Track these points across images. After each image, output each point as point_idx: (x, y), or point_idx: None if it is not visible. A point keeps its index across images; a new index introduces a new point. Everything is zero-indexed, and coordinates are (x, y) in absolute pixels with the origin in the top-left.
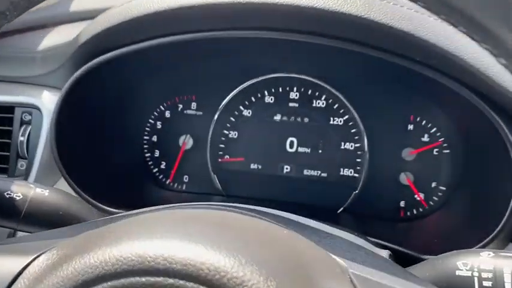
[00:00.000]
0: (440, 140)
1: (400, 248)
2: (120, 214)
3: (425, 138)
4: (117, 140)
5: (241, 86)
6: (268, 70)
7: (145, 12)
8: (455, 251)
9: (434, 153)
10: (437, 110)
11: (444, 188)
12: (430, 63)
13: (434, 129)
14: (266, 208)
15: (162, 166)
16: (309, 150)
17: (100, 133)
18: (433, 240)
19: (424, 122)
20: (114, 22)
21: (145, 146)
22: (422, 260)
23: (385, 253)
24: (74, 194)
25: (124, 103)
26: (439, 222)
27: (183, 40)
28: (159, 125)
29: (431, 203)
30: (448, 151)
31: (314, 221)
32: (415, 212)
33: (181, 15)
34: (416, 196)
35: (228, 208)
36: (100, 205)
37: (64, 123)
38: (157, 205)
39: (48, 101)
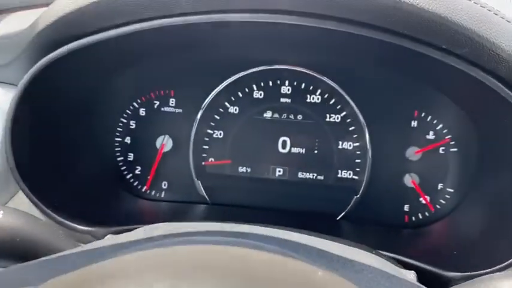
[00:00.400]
0: (447, 137)
1: (422, 265)
2: (96, 245)
3: (431, 136)
4: (85, 144)
5: (227, 80)
6: (256, 62)
7: None
8: (494, 275)
9: (441, 151)
10: (444, 105)
11: (452, 190)
12: (458, 52)
13: (440, 125)
14: (267, 228)
15: (137, 171)
16: (303, 151)
17: (64, 137)
18: (452, 252)
19: (429, 118)
20: (76, 6)
21: (117, 149)
22: (446, 278)
23: (412, 275)
24: (34, 211)
25: (91, 101)
26: (453, 231)
27: (158, 27)
28: (132, 124)
29: (438, 206)
30: (455, 149)
31: (327, 240)
32: (420, 216)
33: None
34: (421, 199)
35: (232, 238)
36: (67, 222)
37: (21, 125)
38: (132, 217)
39: (1, 99)
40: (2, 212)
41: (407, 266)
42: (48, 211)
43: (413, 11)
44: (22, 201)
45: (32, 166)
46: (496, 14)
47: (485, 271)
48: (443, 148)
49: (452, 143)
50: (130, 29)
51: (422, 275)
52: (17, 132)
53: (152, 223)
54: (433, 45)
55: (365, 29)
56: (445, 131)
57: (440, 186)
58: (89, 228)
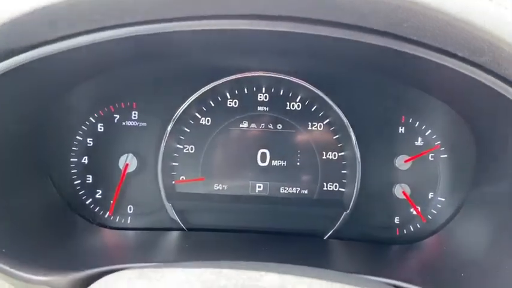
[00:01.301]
0: (436, 143)
1: None
2: None
3: (419, 142)
4: (35, 170)
5: (199, 91)
6: (230, 69)
7: None
8: None
9: (430, 158)
10: (432, 109)
11: (443, 199)
12: (478, 61)
13: (429, 131)
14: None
15: (98, 195)
16: (284, 164)
17: (9, 163)
18: (458, 274)
19: (417, 123)
20: (21, 14)
21: (73, 172)
22: None
23: None
24: None
25: (41, 118)
26: (450, 247)
27: (117, 37)
28: (89, 142)
29: (429, 217)
30: (445, 156)
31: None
32: (412, 228)
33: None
34: (412, 210)
35: None
36: (19, 273)
37: None
38: (96, 255)
39: None
40: None
41: None
42: None
43: (429, 15)
44: None
45: None
46: None
47: None
48: (432, 155)
49: (442, 149)
50: (86, 40)
51: None
52: None
53: (120, 258)
54: (443, 51)
55: (364, 34)
56: (434, 137)
57: (431, 195)
58: (46, 278)
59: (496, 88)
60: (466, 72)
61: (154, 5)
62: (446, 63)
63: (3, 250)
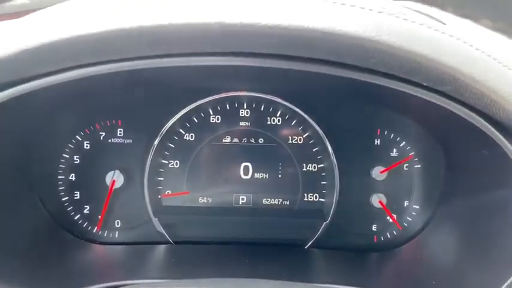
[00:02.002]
0: (410, 154)
1: None
2: None
3: (394, 153)
4: (23, 188)
5: (183, 110)
6: (213, 90)
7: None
8: None
9: (405, 168)
10: (406, 124)
11: (417, 207)
12: (442, 90)
13: (403, 142)
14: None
15: (86, 211)
16: (266, 176)
17: None
18: (430, 282)
19: (392, 135)
20: (11, 53)
21: (60, 188)
22: None
23: None
24: None
25: (28, 139)
26: (424, 254)
27: (106, 72)
28: (76, 159)
29: (405, 224)
30: (419, 166)
31: None
32: (389, 236)
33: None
34: (389, 218)
35: None
36: None
37: None
38: (86, 271)
39: None
40: None
41: None
42: None
43: (395, 52)
44: None
45: None
46: (477, 49)
47: None
48: (407, 165)
49: (416, 159)
50: (79, 73)
51: None
52: None
53: (111, 276)
54: (410, 81)
55: (337, 69)
56: (408, 148)
57: (406, 203)
58: None
59: (459, 113)
60: (432, 100)
61: (140, 43)
62: (413, 92)
63: None
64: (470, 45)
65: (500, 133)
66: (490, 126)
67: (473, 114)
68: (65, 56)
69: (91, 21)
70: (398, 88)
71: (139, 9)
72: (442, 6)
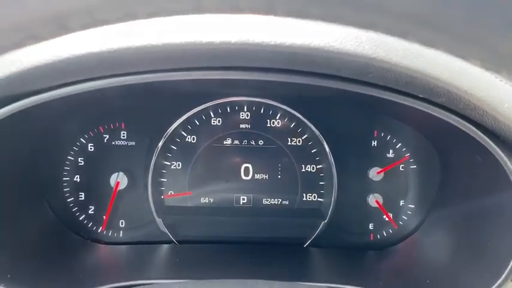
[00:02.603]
0: (406, 155)
1: None
2: None
3: (390, 154)
4: (31, 192)
5: (185, 114)
6: (214, 95)
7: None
8: None
9: (401, 169)
10: (402, 126)
11: (413, 206)
12: (436, 101)
13: (399, 144)
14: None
15: (91, 211)
16: (266, 177)
17: (7, 190)
18: (425, 280)
19: (388, 137)
20: (30, 65)
21: (65, 190)
22: None
23: None
24: None
25: (35, 144)
26: (419, 252)
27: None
28: (80, 161)
29: (401, 223)
30: (414, 166)
31: None
32: (385, 234)
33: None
34: (385, 217)
35: None
36: None
37: None
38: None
39: None
40: None
41: None
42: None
43: (391, 68)
44: None
45: None
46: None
47: None
48: (403, 165)
49: (412, 160)
50: (91, 85)
51: None
52: None
53: (117, 276)
54: (406, 93)
55: (336, 82)
56: (404, 149)
57: (401, 202)
58: None
59: (453, 122)
60: (427, 110)
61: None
62: (408, 104)
63: (9, 276)
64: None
65: (492, 141)
66: (482, 135)
67: (467, 124)
68: (82, 70)
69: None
70: (394, 100)
71: (154, 29)
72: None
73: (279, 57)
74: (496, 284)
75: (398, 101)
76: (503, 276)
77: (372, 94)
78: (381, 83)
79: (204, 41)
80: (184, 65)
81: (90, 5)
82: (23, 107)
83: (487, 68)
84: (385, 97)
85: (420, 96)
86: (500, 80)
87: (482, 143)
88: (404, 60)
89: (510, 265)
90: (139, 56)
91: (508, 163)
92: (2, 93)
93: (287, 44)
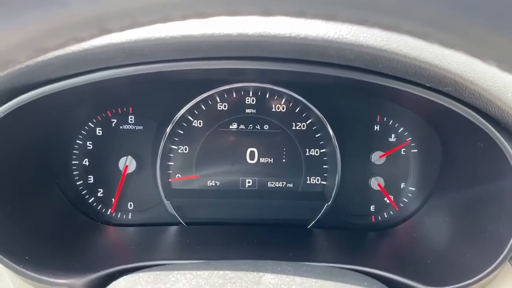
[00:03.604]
0: (408, 139)
1: (400, 278)
2: None
3: (392, 139)
4: (41, 175)
5: (193, 101)
6: (221, 81)
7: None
8: None
9: (402, 153)
10: (405, 111)
11: (413, 189)
12: (443, 90)
13: (401, 128)
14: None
15: (100, 194)
16: (271, 160)
17: (20, 175)
18: (425, 261)
19: (391, 122)
20: (51, 54)
21: (75, 173)
22: None
23: None
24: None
25: (45, 129)
26: (419, 234)
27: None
28: (89, 145)
29: (401, 205)
30: (415, 150)
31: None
32: (386, 215)
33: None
34: (386, 199)
35: None
36: (44, 278)
37: None
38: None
39: None
40: None
41: (384, 280)
42: (22, 269)
43: (401, 59)
44: None
45: None
46: None
47: (461, 285)
48: (404, 149)
49: (413, 144)
50: (107, 74)
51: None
52: None
53: (129, 257)
54: (413, 82)
55: (345, 71)
56: (406, 134)
57: (402, 185)
58: (67, 281)
59: (457, 110)
60: (433, 98)
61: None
62: (415, 92)
63: (27, 257)
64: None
65: (495, 128)
66: (485, 122)
67: (470, 111)
68: (101, 59)
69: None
70: (401, 88)
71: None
72: None
73: (294, 49)
74: (494, 265)
75: (404, 89)
76: (502, 256)
77: (380, 83)
78: (390, 73)
79: (223, 33)
80: (201, 55)
81: (130, 8)
82: (40, 96)
83: (504, 69)
84: (391, 85)
85: (427, 85)
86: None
87: (485, 129)
88: (414, 51)
89: (508, 246)
90: (158, 46)
91: (509, 149)
92: (22, 82)
93: (302, 35)
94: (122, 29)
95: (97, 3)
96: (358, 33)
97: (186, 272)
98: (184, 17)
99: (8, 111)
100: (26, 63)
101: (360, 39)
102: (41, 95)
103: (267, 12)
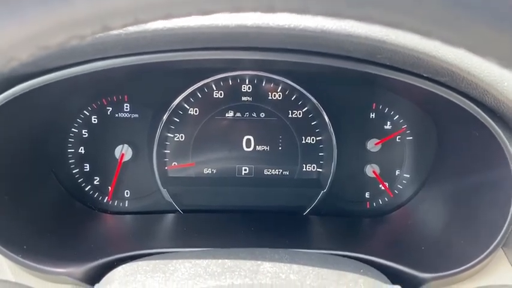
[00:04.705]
0: (403, 126)
1: (394, 265)
2: None
3: (388, 126)
4: (38, 164)
5: (189, 89)
6: (217, 70)
7: None
8: None
9: (397, 140)
10: (401, 99)
11: (408, 176)
12: (440, 80)
13: (396, 116)
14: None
15: (96, 182)
16: (268, 148)
17: (16, 165)
18: (419, 247)
19: (386, 109)
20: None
21: (71, 161)
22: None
23: None
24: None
25: (41, 118)
26: (414, 220)
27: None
28: (84, 133)
29: (396, 191)
30: (411, 138)
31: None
32: (380, 202)
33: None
34: (381, 186)
35: None
36: (43, 267)
37: None
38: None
39: None
40: None
41: (379, 267)
42: (20, 258)
43: (399, 50)
44: None
45: None
46: None
47: (455, 271)
48: (399, 137)
49: (408, 131)
50: (99, 65)
51: (393, 276)
52: None
53: (127, 245)
54: (411, 72)
55: (344, 61)
56: (401, 121)
57: (397, 172)
58: (66, 270)
59: (453, 99)
60: (429, 88)
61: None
62: (412, 82)
63: (25, 247)
64: None
65: (490, 117)
66: (481, 112)
67: (466, 101)
68: (97, 50)
69: None
70: (398, 78)
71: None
72: None
73: (294, 40)
74: (488, 251)
75: (401, 79)
76: (495, 243)
77: (377, 73)
78: (388, 63)
79: (223, 24)
80: (200, 46)
81: (133, 7)
82: (37, 85)
83: (505, 66)
84: (388, 75)
85: (424, 75)
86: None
87: (480, 119)
88: (412, 42)
89: (501, 234)
90: (157, 38)
91: (504, 138)
92: (20, 72)
93: (301, 26)
94: (123, 27)
95: (100, 2)
96: (358, 25)
97: (185, 260)
98: (187, 15)
99: (5, 101)
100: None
101: (359, 31)
102: (39, 85)
103: (270, 9)
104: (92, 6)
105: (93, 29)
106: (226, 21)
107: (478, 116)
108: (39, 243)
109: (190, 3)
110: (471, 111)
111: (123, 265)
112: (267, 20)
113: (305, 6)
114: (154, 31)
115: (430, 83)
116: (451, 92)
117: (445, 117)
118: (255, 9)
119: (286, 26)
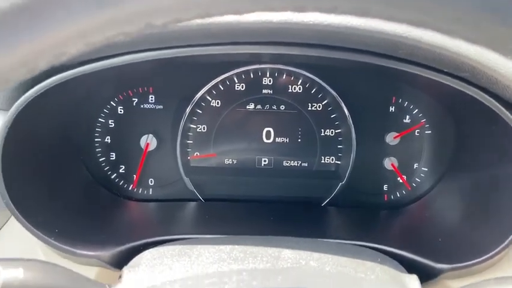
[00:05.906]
0: (422, 120)
1: (409, 255)
2: None
3: (407, 120)
4: (68, 154)
5: (212, 82)
6: (239, 63)
7: None
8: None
9: (416, 134)
10: (420, 93)
11: (426, 169)
12: (460, 75)
13: (416, 110)
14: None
15: (122, 170)
16: (287, 140)
17: (50, 154)
18: (436, 239)
19: (406, 103)
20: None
21: (98, 150)
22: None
23: (414, 280)
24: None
25: (70, 108)
26: (432, 212)
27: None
28: (111, 123)
29: (414, 185)
30: (429, 132)
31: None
32: (398, 195)
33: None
34: (399, 179)
35: None
36: (73, 250)
37: (11, 151)
38: (128, 225)
39: None
40: (21, 269)
41: (396, 257)
42: (52, 241)
43: (421, 46)
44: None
45: (24, 192)
46: None
47: (471, 262)
48: (418, 131)
49: (427, 125)
50: (129, 59)
51: (410, 266)
52: (8, 158)
53: (152, 231)
54: (431, 67)
55: (366, 56)
56: (420, 115)
57: (415, 165)
58: (96, 253)
59: (473, 95)
60: (449, 83)
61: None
62: (432, 77)
63: (57, 230)
64: None
65: (510, 112)
66: (501, 107)
67: (486, 96)
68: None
69: None
70: (419, 73)
71: None
72: None
73: (317, 35)
74: (505, 243)
75: (421, 74)
76: None
77: (398, 67)
78: (409, 58)
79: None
80: (228, 40)
81: (176, 6)
82: (67, 78)
83: None
84: (408, 70)
85: (444, 70)
86: None
87: (500, 114)
88: (434, 38)
89: None
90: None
91: None
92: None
93: (326, 23)
94: (165, 25)
95: (147, 1)
96: (381, 22)
97: (209, 246)
98: (222, 14)
99: (39, 93)
100: None
101: (382, 27)
102: (69, 77)
103: (301, 9)
104: (139, 5)
105: (138, 26)
106: (256, 18)
107: (497, 111)
108: (70, 227)
109: (228, 5)
110: (490, 106)
111: (150, 249)
112: (293, 16)
113: (334, 6)
114: (188, 27)
115: (450, 78)
116: (470, 87)
117: (463, 111)
118: (286, 9)
119: (312, 22)
